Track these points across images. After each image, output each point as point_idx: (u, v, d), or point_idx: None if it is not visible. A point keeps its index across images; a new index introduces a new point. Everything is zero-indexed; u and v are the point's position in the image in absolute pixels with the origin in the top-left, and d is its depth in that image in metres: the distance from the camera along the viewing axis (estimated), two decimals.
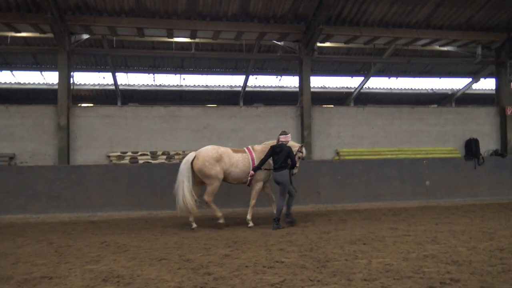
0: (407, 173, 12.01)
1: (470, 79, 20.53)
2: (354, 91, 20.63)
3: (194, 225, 8.41)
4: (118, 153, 11.36)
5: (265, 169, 8.63)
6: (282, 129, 11.75)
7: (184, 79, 19.28)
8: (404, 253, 6.05)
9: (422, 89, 21.49)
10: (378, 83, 21.13)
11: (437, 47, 14.17)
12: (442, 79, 21.04)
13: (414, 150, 12.58)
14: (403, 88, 21.52)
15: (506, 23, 12.55)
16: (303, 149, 9.12)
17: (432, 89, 21.85)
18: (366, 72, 18.94)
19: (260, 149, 8.92)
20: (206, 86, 19.78)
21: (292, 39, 12.39)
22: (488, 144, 13.05)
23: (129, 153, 11.41)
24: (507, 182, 12.45)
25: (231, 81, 19.57)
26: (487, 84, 21.51)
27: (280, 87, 20.22)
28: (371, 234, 7.75)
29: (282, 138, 8.51)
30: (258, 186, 8.75)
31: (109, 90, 18.89)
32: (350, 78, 20.28)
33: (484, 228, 8.38)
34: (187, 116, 11.69)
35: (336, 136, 12.28)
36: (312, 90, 20.73)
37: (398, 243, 6.83)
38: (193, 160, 8.42)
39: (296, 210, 10.93)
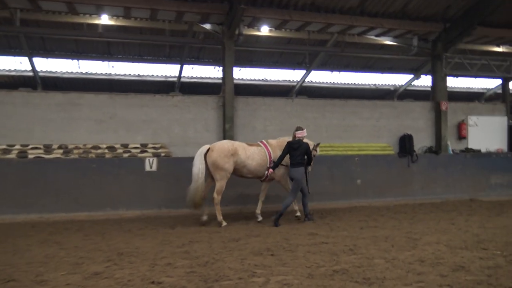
0: (338, 171, 11.15)
1: (412, 76, 20.09)
2: (297, 84, 19.66)
3: (205, 217, 8.50)
4: (4, 146, 9.66)
5: (282, 165, 8.54)
6: (201, 120, 10.60)
7: (113, 66, 17.57)
8: (312, 268, 5.23)
9: (365, 84, 21.00)
10: (321, 77, 20.40)
11: (374, 38, 13.36)
12: (384, 74, 20.57)
13: (346, 146, 11.69)
14: (346, 82, 20.92)
15: (442, 13, 11.87)
16: (318, 148, 9.07)
17: (375, 84, 21.40)
18: (308, 65, 18.00)
19: (275, 143, 8.90)
20: (139, 75, 18.14)
21: (216, 21, 11.12)
22: (423, 140, 12.39)
23: (18, 146, 9.74)
24: (440, 181, 11.83)
25: (166, 70, 18.06)
26: (429, 81, 21.25)
27: (220, 78, 18.85)
28: (285, 242, 6.88)
29: (299, 134, 8.38)
30: (284, 179, 8.83)
31: (28, 77, 16.86)
32: (292, 71, 19.31)
33: (410, 233, 7.65)
34: (90, 105, 10.17)
35: (262, 129, 11.17)
36: (252, 82, 20.08)
37: (311, 254, 6.01)
38: (206, 153, 8.33)
39: (212, 213, 9.85)
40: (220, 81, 19.00)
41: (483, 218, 9.16)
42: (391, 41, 13.35)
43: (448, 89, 20.41)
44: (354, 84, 20.64)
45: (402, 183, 11.63)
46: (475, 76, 18.23)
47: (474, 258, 5.67)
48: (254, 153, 8.57)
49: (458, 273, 5.03)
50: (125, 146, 10.19)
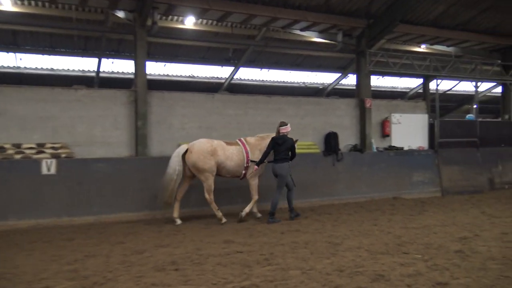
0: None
1: (340, 74, 20.17)
2: (225, 81, 18.96)
3: (179, 221, 8.41)
4: None
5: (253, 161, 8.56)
6: (110, 117, 9.52)
7: (21, 59, 15.74)
8: (219, 285, 4.62)
9: (295, 82, 20.82)
10: (251, 75, 19.87)
11: (300, 33, 12.94)
12: (313, 72, 20.51)
13: None
14: (276, 80, 20.62)
15: (366, 9, 11.72)
16: (296, 145, 8.80)
17: (304, 82, 21.28)
18: (236, 61, 17.37)
19: (253, 141, 8.86)
20: (52, 69, 16.40)
21: (127, 8, 10.02)
22: (348, 138, 12.17)
23: None
24: (365, 179, 11.68)
25: (83, 64, 16.50)
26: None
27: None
28: (195, 253, 6.17)
29: (283, 130, 8.44)
30: (255, 180, 8.74)
31: None
32: (220, 67, 18.57)
33: (332, 236, 7.26)
34: None
35: (179, 127, 10.27)
36: (179, 79, 19.05)
37: (221, 267, 5.38)
38: (184, 153, 8.28)
39: (123, 219, 8.91)
40: (149, 77, 18.02)
41: (405, 217, 9.01)
42: (316, 36, 13.03)
43: (374, 89, 21.10)
44: (284, 82, 20.43)
45: (328, 183, 11.31)
46: (399, 75, 18.69)
47: (395, 265, 5.27)
48: (232, 153, 8.56)
49: (378, 283, 4.59)
50: (17, 146, 8.82)
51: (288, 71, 19.92)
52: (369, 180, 11.72)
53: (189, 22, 12.95)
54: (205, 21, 13.24)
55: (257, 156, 8.68)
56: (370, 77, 12.46)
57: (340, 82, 21.04)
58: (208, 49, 16.35)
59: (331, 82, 20.97)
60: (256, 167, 8.44)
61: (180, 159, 8.26)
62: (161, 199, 8.42)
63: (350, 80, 21.50)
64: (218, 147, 8.43)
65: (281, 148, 8.32)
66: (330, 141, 11.54)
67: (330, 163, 11.42)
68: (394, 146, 12.60)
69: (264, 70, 19.39)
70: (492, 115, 24.66)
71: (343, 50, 12.88)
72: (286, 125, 8.52)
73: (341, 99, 12.44)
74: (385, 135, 12.63)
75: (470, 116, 21.07)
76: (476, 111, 14.28)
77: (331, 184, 11.37)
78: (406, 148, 12.82)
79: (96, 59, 15.59)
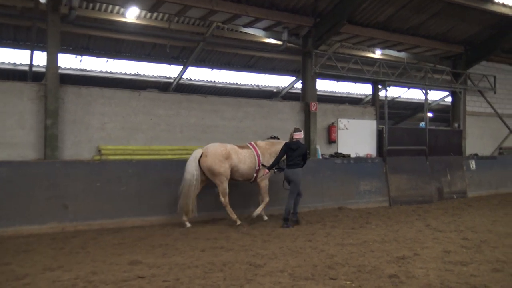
0: None
1: (294, 78, 19.54)
2: (174, 81, 17.89)
3: (188, 224, 8.37)
4: None
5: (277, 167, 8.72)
6: (13, 114, 8.24)
7: None
8: None
9: (248, 84, 20.02)
10: (202, 75, 18.91)
11: (247, 32, 12.14)
12: (267, 75, 19.78)
13: None
14: (228, 82, 19.75)
15: (312, 6, 11.01)
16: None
17: (258, 85, 20.53)
18: (185, 60, 16.34)
19: (264, 145, 9.01)
20: None
21: None
22: None
23: None
24: (309, 188, 10.83)
25: (15, 57, 14.96)
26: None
27: (83, 70, 16.26)
28: (87, 278, 5.23)
29: (297, 136, 8.54)
30: (265, 183, 8.91)
31: None
32: (168, 66, 17.49)
33: (256, 256, 6.45)
34: None
35: (99, 127, 9.10)
36: (123, 76, 17.79)
37: None
38: (200, 158, 8.33)
39: (24, 233, 7.81)
40: (90, 73, 16.71)
41: (345, 231, 8.24)
42: (263, 35, 12.23)
43: (328, 94, 20.70)
44: (237, 84, 19.62)
45: (271, 192, 10.37)
46: (347, 80, 18.20)
47: None
48: (245, 156, 8.68)
49: None
50: None
51: (241, 73, 19.18)
52: (313, 189, 10.94)
53: (131, 15, 11.99)
54: (148, 15, 12.19)
55: (267, 160, 8.86)
56: (315, 80, 11.71)
57: (295, 86, 20.46)
58: (154, 46, 15.26)
59: (285, 85, 20.33)
60: (266, 170, 8.58)
61: (197, 163, 8.28)
62: (182, 207, 8.30)
63: (319, 85, 20.99)
64: (232, 150, 8.55)
65: (294, 154, 8.42)
66: None
67: (271, 170, 10.53)
68: (340, 153, 11.93)
69: (216, 71, 18.52)
70: (447, 123, 24.77)
71: (289, 50, 12.11)
72: (300, 131, 8.68)
73: (285, 102, 11.66)
74: (331, 141, 11.95)
75: (422, 125, 21.03)
76: (426, 119, 13.80)
77: (271, 193, 10.46)
78: (353, 155, 12.19)
79: (28, 51, 14.06)
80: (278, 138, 10.78)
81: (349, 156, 11.98)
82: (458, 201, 12.85)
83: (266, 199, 8.97)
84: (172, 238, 7.63)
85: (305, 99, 11.62)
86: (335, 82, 20.50)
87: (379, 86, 13.22)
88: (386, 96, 12.66)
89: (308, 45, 11.51)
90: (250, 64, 18.07)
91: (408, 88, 13.74)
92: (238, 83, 19.63)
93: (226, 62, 17.65)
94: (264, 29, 11.72)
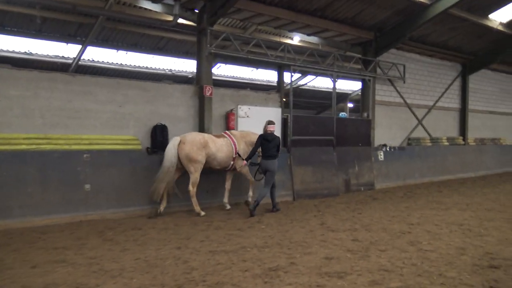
0: (56, 174, 8.07)
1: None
2: (73, 62, 15.88)
3: (162, 208, 8.56)
4: None
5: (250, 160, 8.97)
6: None
7: None
8: None
9: (160, 69, 18.57)
10: (105, 56, 17.15)
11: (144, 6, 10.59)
12: (180, 59, 18.39)
13: (72, 138, 8.63)
14: (137, 65, 18.17)
15: None
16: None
17: (171, 70, 19.11)
18: (84, 38, 14.41)
19: (238, 134, 9.38)
20: None
21: None
22: (183, 132, 10.02)
23: None
24: (201, 182, 9.63)
25: None
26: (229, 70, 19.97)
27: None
28: None
29: (271, 128, 8.92)
30: (246, 169, 9.25)
31: None
32: (65, 44, 15.43)
33: (97, 273, 5.27)
34: None
35: None
36: (10, 55, 15.43)
37: None
38: (178, 145, 8.45)
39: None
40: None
41: (228, 233, 7.30)
42: (154, 8, 10.77)
43: (231, 79, 19.71)
44: (147, 67, 18.15)
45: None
46: (249, 64, 17.33)
47: None
48: (222, 145, 8.95)
49: None
50: None
51: (150, 55, 17.56)
52: (206, 184, 9.81)
53: None
54: None
55: (243, 148, 9.23)
56: (211, 60, 10.54)
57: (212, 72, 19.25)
58: (44, 21, 13.15)
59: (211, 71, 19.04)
60: (245, 162, 8.83)
61: (176, 151, 8.39)
62: (154, 191, 8.36)
63: (223, 70, 19.87)
64: (209, 139, 8.80)
65: (270, 145, 8.81)
66: (157, 135, 9.37)
67: (156, 162, 9.26)
68: None
69: (122, 52, 16.77)
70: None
71: (181, 27, 10.79)
72: (274, 123, 9.04)
73: (175, 85, 10.35)
74: (229, 130, 10.84)
75: (343, 114, 20.71)
76: (334, 108, 13.20)
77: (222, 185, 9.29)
78: None
79: None
80: (166, 126, 9.59)
81: None
82: (364, 194, 12.43)
83: (252, 179, 9.43)
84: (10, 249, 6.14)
85: (200, 83, 10.41)
86: (244, 67, 19.65)
87: (291, 74, 12.35)
88: (291, 82, 11.82)
89: (203, 21, 10.28)
90: (160, 46, 16.55)
91: (316, 76, 13.07)
92: (149, 66, 18.18)
93: (133, 43, 16.00)
94: (154, 1, 10.28)
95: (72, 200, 8.18)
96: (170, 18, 10.51)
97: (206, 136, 8.83)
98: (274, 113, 11.74)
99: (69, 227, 7.64)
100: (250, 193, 9.43)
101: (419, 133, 16.69)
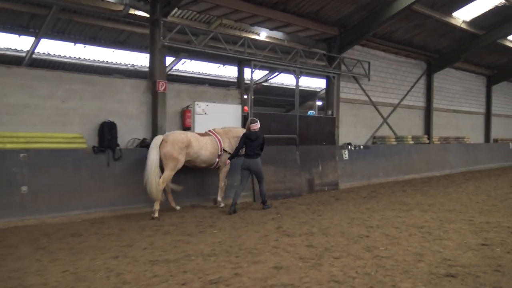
0: None
1: (173, 58, 17.69)
2: (26, 55, 15.02)
3: (156, 215, 8.30)
4: None
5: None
6: None
7: None
8: None
9: (121, 64, 17.87)
10: (62, 50, 16.29)
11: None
12: (143, 54, 17.73)
13: (6, 136, 7.91)
14: (97, 60, 17.38)
15: None
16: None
17: (133, 65, 18.41)
18: (38, 30, 13.57)
19: (222, 131, 9.44)
20: None
21: None
22: (134, 131, 9.59)
23: None
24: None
25: None
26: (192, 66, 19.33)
27: None
28: None
29: (254, 126, 9.01)
30: (226, 168, 9.37)
31: None
32: (18, 36, 14.54)
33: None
34: None
35: None
36: None
37: None
38: (160, 144, 8.38)
39: None
40: None
41: (176, 239, 6.83)
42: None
43: (193, 75, 19.14)
44: (107, 62, 17.47)
45: (99, 189, 8.54)
46: (208, 59, 16.75)
47: None
48: (206, 143, 8.96)
49: None
50: None
51: (110, 49, 16.78)
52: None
53: None
54: None
55: (227, 144, 9.31)
56: (164, 54, 9.98)
57: (176, 68, 18.59)
58: None
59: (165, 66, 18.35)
60: (228, 161, 9.03)
61: (158, 149, 8.30)
62: (151, 193, 8.24)
63: (188, 66, 19.26)
64: (192, 138, 8.76)
65: (253, 144, 8.89)
66: (105, 133, 8.75)
67: (104, 162, 8.65)
68: None
69: (80, 46, 15.95)
70: None
71: (135, 18, 10.17)
72: (257, 121, 9.09)
73: (125, 79, 9.73)
74: (185, 127, 10.34)
75: (311, 112, 20.45)
76: (297, 106, 12.84)
77: (104, 190, 8.62)
78: None
79: None
80: (114, 123, 8.97)
81: None
82: (327, 194, 12.14)
83: (222, 184, 9.50)
84: None
85: (153, 77, 9.83)
86: (211, 64, 19.13)
87: (251, 69, 11.89)
88: (251, 78, 11.35)
89: (157, 11, 9.69)
90: (121, 40, 15.83)
91: (279, 72, 12.71)
92: (109, 61, 17.49)
93: (91, 36, 15.26)
94: None
95: (6, 204, 7.49)
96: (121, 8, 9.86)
97: (189, 134, 8.77)
98: (233, 110, 11.28)
99: (1, 234, 6.97)
100: (219, 198, 9.55)
101: (384, 131, 16.58)
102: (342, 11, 12.93)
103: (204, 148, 8.87)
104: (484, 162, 20.83)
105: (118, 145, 8.87)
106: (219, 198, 9.53)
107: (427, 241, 6.52)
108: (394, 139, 16.61)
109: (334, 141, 13.52)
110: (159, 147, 8.32)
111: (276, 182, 11.46)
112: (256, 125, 9.01)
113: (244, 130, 9.34)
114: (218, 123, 10.79)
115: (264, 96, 24.42)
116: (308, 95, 26.89)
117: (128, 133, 9.40)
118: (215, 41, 11.88)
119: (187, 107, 10.34)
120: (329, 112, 14.10)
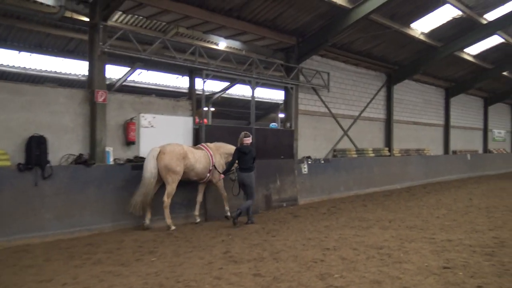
0: None
1: (129, 68, 16.79)
2: None
3: (147, 221, 8.65)
4: None
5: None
6: None
7: None
8: None
9: (71, 74, 16.99)
10: (5, 59, 15.22)
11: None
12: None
13: None
14: (44, 69, 16.32)
15: None
16: None
17: (84, 75, 17.43)
18: None
19: (213, 146, 9.65)
20: None
21: None
22: (70, 146, 8.67)
23: None
24: (91, 205, 8.47)
25: None
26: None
27: None
28: None
29: (247, 141, 9.13)
30: (221, 182, 9.59)
31: None
32: None
33: None
34: None
35: None
36: None
37: None
38: (157, 156, 8.47)
39: None
40: None
41: (105, 271, 5.94)
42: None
43: (147, 86, 18.30)
44: (55, 72, 16.51)
45: (25, 211, 7.59)
46: (161, 70, 16.01)
47: None
48: (201, 156, 9.15)
49: None
50: None
51: (60, 59, 15.78)
52: (96, 206, 8.46)
53: None
54: None
55: (218, 160, 9.49)
56: (104, 61, 9.17)
57: (132, 79, 17.69)
58: None
59: (120, 77, 17.39)
60: (222, 176, 9.21)
61: (156, 161, 8.37)
62: (135, 205, 8.28)
63: (145, 77, 18.38)
64: (188, 150, 8.90)
65: (247, 158, 9.01)
66: (32, 149, 7.81)
67: (31, 182, 7.71)
68: (142, 158, 9.54)
69: (25, 54, 14.87)
70: None
71: (73, 22, 9.34)
72: (249, 136, 9.19)
73: (59, 89, 8.85)
74: (129, 141, 9.51)
75: (273, 125, 19.88)
76: (253, 118, 12.26)
77: (31, 213, 7.68)
78: None
79: None
80: (44, 138, 8.06)
81: None
82: (285, 211, 11.56)
83: (225, 194, 9.70)
84: None
85: (91, 87, 8.99)
86: (166, 74, 18.36)
87: (203, 79, 11.21)
88: (203, 89, 10.67)
89: (96, 16, 8.90)
90: (70, 48, 14.84)
91: (235, 84, 12.12)
92: (58, 71, 16.48)
93: (37, 44, 14.21)
94: None
95: None
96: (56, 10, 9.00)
97: (185, 147, 8.93)
98: (183, 123, 10.56)
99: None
100: (226, 208, 9.73)
101: (345, 144, 16.26)
102: (300, 20, 12.52)
103: (198, 162, 9.03)
104: (444, 173, 20.91)
105: (48, 161, 7.94)
106: (226, 208, 9.75)
107: (386, 265, 5.98)
108: (354, 152, 16.31)
109: (292, 155, 12.99)
110: (156, 159, 8.37)
111: (230, 198, 10.75)
112: (249, 140, 9.14)
113: (233, 148, 9.50)
114: (166, 137, 10.06)
115: (226, 108, 23.84)
116: (271, 107, 26.49)
117: (62, 148, 8.48)
118: (169, 50, 11.16)
119: (131, 119, 9.53)
120: (288, 125, 13.59)
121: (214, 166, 9.32)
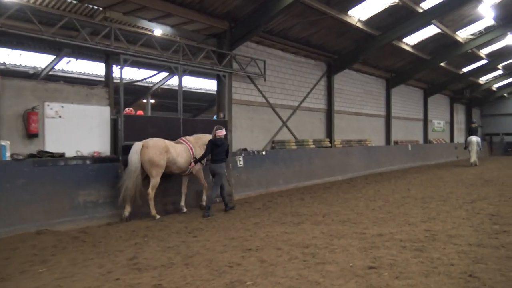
0: None
1: (54, 56, 15.27)
2: None
3: (126, 213, 8.79)
4: None
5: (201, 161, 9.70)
6: None
7: None
8: None
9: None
10: None
11: None
12: (16, 51, 15.27)
13: None
14: None
15: None
16: None
17: (5, 63, 16.00)
18: None
19: (193, 139, 10.04)
20: None
21: None
22: None
23: None
24: None
25: None
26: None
27: None
28: None
29: (220, 133, 9.50)
30: (201, 172, 10.04)
31: None
32: None
33: None
34: None
35: None
36: None
37: None
38: (141, 150, 8.71)
39: None
40: None
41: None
42: None
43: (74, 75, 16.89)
44: None
45: None
46: (76, 56, 14.78)
47: None
48: (182, 150, 9.45)
49: None
50: None
51: None
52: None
53: None
54: None
55: (198, 152, 9.73)
56: None
57: (60, 68, 16.16)
58: None
59: (46, 65, 15.81)
60: (193, 164, 9.46)
61: (139, 156, 8.61)
62: (125, 197, 8.56)
63: (77, 66, 16.90)
64: (169, 145, 9.18)
65: (219, 150, 9.41)
66: None
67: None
68: (48, 152, 8.48)
69: None
70: None
71: None
72: (222, 128, 9.58)
73: None
74: (31, 134, 8.38)
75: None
76: (180, 108, 11.39)
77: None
78: (72, 154, 8.90)
79: None
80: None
81: (62, 155, 8.64)
82: (217, 207, 10.75)
83: (205, 184, 10.13)
84: None
85: None
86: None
87: (121, 66, 10.16)
88: (121, 76, 9.65)
89: None
90: None
91: (160, 71, 11.19)
92: None
93: None
94: None
95: None
96: None
97: (166, 142, 9.17)
98: (99, 113, 9.52)
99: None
100: (204, 197, 10.14)
101: (284, 135, 15.74)
102: (230, 3, 11.76)
103: (180, 156, 9.34)
104: (385, 164, 21.00)
105: None
106: (204, 197, 10.19)
107: (308, 267, 5.38)
108: (294, 144, 15.81)
109: None
110: (140, 153, 8.59)
111: (156, 195, 9.85)
112: (222, 132, 9.49)
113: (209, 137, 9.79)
114: (78, 128, 9.03)
115: (167, 100, 22.71)
116: (214, 99, 25.67)
117: None
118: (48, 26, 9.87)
119: (33, 108, 8.38)
120: (221, 115, 12.82)
121: (195, 158, 9.57)
